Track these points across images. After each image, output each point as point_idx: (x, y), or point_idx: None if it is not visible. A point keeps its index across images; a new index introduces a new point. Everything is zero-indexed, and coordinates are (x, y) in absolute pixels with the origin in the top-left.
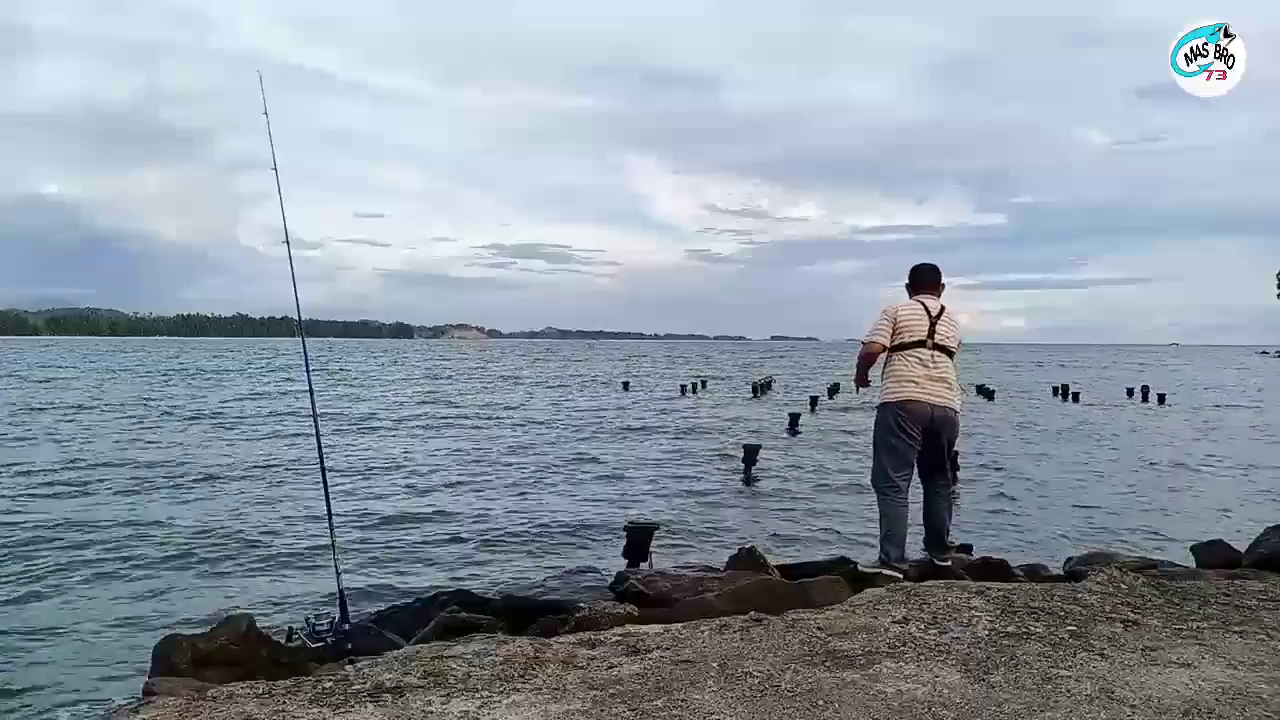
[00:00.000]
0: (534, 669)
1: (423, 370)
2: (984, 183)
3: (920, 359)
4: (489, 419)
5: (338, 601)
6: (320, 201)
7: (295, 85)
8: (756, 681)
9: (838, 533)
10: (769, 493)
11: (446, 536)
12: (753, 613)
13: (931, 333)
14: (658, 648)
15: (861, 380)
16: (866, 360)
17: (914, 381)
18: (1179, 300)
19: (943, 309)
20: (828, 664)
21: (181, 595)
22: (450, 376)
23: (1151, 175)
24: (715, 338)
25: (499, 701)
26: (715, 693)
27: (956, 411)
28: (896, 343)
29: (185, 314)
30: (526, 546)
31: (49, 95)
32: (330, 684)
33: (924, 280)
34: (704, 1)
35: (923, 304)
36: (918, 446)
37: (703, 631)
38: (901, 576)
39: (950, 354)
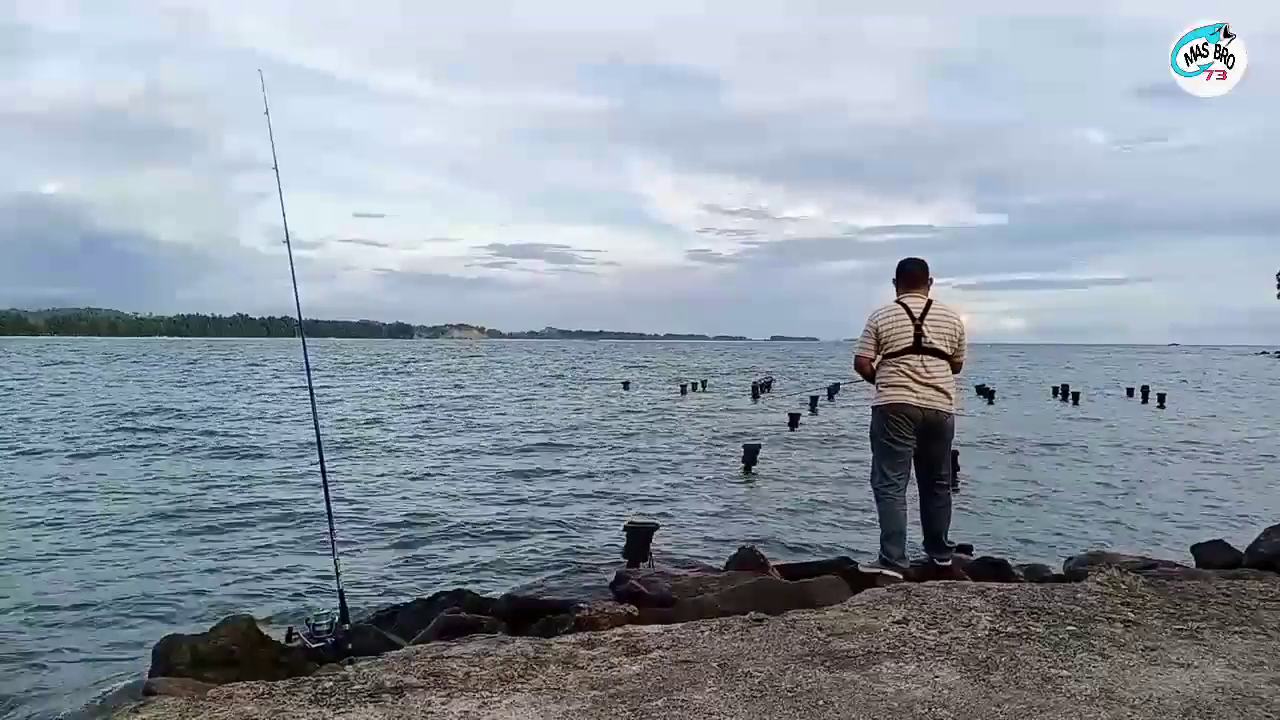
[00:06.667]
0: (534, 669)
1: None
2: (984, 183)
3: (909, 365)
4: (489, 420)
5: (338, 601)
6: (320, 201)
7: (295, 85)
8: (756, 682)
9: (838, 532)
10: (769, 493)
11: (447, 537)
12: (753, 613)
13: (918, 336)
14: (658, 648)
15: (869, 381)
16: (861, 372)
17: (904, 386)
18: (1178, 300)
19: (929, 305)
20: (828, 664)
21: (181, 595)
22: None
23: (1151, 175)
24: (715, 338)
25: (499, 702)
26: (715, 693)
27: (949, 414)
28: (884, 351)
29: (185, 314)
30: (526, 547)
31: (49, 95)
32: (330, 684)
33: (909, 276)
34: (704, 1)
35: (904, 305)
36: (912, 448)
37: (703, 631)
38: (901, 576)
39: (944, 356)
